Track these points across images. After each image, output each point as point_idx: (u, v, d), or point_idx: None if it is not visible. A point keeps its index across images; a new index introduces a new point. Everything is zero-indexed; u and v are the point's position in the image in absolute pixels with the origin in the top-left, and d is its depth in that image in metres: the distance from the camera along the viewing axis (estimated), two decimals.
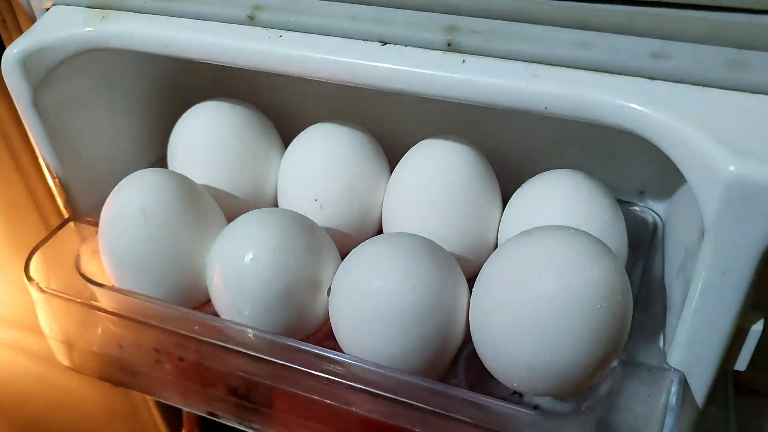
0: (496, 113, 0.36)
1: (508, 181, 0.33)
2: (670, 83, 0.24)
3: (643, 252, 0.33)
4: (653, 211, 0.35)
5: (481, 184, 0.32)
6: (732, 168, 0.21)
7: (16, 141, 0.41)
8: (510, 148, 0.35)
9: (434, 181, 0.32)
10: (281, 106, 0.38)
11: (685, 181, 0.27)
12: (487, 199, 0.32)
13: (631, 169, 0.35)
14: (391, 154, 0.35)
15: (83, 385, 0.57)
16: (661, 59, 0.24)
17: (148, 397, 0.54)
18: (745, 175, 0.21)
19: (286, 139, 0.37)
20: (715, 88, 0.23)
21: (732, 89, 0.23)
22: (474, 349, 0.28)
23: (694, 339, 0.26)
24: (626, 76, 0.24)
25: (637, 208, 0.35)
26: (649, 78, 0.24)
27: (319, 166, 0.34)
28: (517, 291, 0.25)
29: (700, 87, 0.23)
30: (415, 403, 0.26)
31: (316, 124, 0.35)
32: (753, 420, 0.36)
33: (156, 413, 0.54)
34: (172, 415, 0.55)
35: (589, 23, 0.24)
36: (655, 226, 0.34)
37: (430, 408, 0.26)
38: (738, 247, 0.22)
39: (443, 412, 0.26)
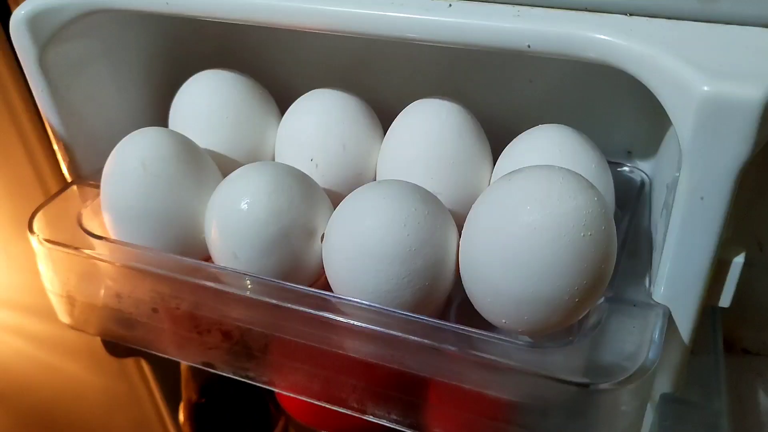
0: (485, 76, 0.37)
1: (498, 142, 0.34)
2: (646, 18, 0.25)
3: (632, 208, 0.34)
4: (641, 170, 0.35)
5: (470, 140, 0.33)
6: (706, 87, 0.22)
7: (23, 117, 0.43)
8: (499, 112, 0.36)
9: (426, 138, 0.33)
10: (278, 77, 0.40)
11: (668, 127, 0.28)
12: (477, 156, 0.33)
13: (619, 130, 0.35)
14: (384, 119, 0.36)
15: (86, 372, 0.57)
16: None
17: (151, 383, 0.54)
18: (718, 93, 0.22)
19: (282, 109, 0.38)
20: (688, 21, 0.24)
21: (704, 21, 0.24)
22: (464, 299, 0.29)
23: (677, 271, 0.26)
24: (605, 14, 0.25)
25: (626, 168, 0.36)
26: (627, 14, 0.25)
27: (315, 128, 0.35)
28: (503, 223, 0.26)
29: (675, 20, 0.24)
30: (404, 336, 0.27)
31: (312, 91, 0.36)
32: (744, 378, 0.36)
33: (158, 397, 0.55)
34: (171, 399, 0.56)
35: None
36: (642, 182, 0.35)
37: (419, 340, 0.26)
38: (715, 168, 0.23)
39: (433, 344, 0.26)
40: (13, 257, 0.50)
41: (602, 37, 0.25)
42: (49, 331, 0.55)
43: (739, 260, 0.27)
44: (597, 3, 0.25)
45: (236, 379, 0.41)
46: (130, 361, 0.56)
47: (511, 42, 0.26)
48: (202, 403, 0.42)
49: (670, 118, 0.24)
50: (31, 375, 0.58)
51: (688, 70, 0.23)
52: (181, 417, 0.43)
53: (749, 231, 0.36)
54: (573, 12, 0.25)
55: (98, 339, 0.54)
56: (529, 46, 0.26)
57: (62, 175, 0.46)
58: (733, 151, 0.23)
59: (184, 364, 0.42)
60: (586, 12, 0.25)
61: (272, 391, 0.41)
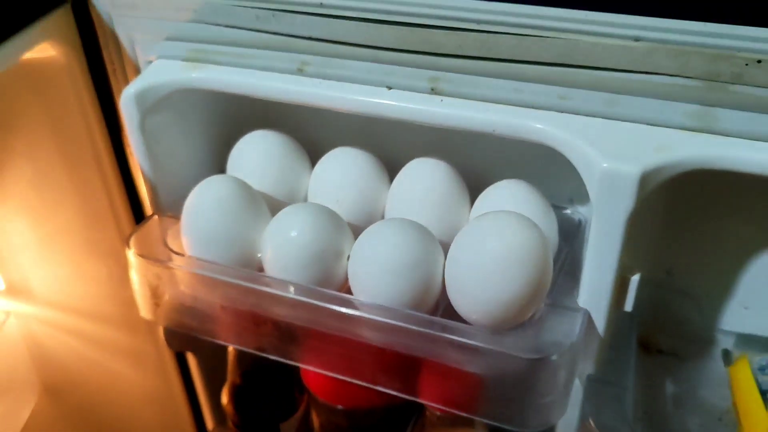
0: (465, 142, 0.49)
1: (474, 189, 0.46)
2: (571, 114, 0.37)
3: (571, 241, 0.46)
4: (580, 213, 0.48)
5: (454, 190, 0.45)
6: (605, 165, 0.35)
7: (104, 161, 0.54)
8: (476, 166, 0.48)
9: (422, 188, 0.45)
10: (310, 136, 0.52)
11: None
12: (458, 201, 0.46)
13: (564, 184, 0.48)
14: (390, 170, 0.48)
15: (130, 369, 0.68)
16: (565, 100, 0.37)
17: (194, 376, 0.65)
18: (612, 169, 0.35)
19: (313, 161, 0.50)
20: (598, 118, 0.37)
21: (608, 118, 0.37)
22: (447, 305, 0.41)
23: (593, 285, 0.38)
24: (544, 110, 0.38)
25: (568, 211, 0.48)
26: (559, 111, 0.38)
27: (339, 177, 0.47)
28: (474, 249, 0.38)
29: (590, 117, 0.37)
30: (406, 325, 0.38)
31: (337, 148, 0.48)
32: (657, 372, 0.48)
33: (199, 389, 0.66)
34: (209, 391, 0.67)
35: (522, 77, 0.38)
36: (580, 222, 0.47)
37: (416, 328, 0.38)
38: (612, 215, 0.35)
39: (426, 331, 0.38)
40: (83, 272, 0.61)
41: (541, 126, 0.37)
42: (103, 334, 0.66)
43: (635, 278, 0.39)
44: (539, 103, 0.38)
45: (270, 368, 0.53)
46: (170, 361, 0.67)
47: (482, 127, 0.38)
48: (243, 385, 0.53)
49: (584, 182, 0.36)
50: (82, 371, 0.69)
51: (594, 153, 0.35)
52: (224, 399, 0.54)
53: (660, 262, 0.48)
54: (524, 108, 0.38)
55: (143, 341, 0.66)
56: (494, 131, 0.38)
57: (130, 209, 0.58)
58: (623, 204, 0.35)
59: (230, 354, 0.54)
60: (531, 109, 0.38)
61: (297, 379, 0.52)
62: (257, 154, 0.49)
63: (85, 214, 0.58)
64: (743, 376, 0.44)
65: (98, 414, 0.72)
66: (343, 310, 0.40)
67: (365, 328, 0.41)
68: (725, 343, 0.49)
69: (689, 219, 0.46)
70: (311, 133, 0.52)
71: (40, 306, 0.65)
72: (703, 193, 0.43)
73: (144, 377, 0.69)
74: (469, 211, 0.46)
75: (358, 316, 0.40)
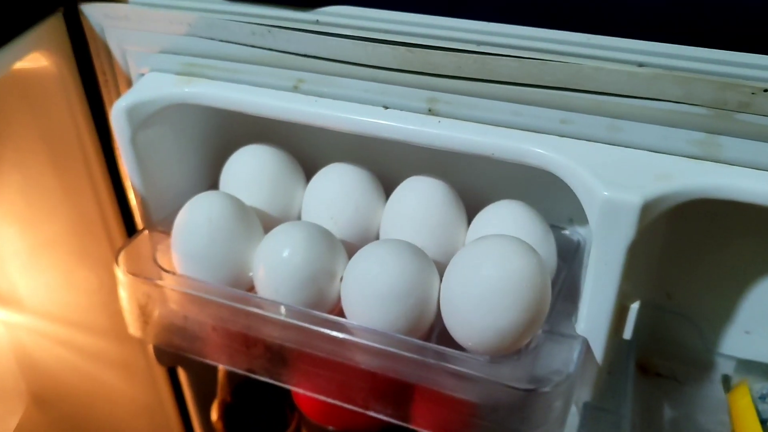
0: (463, 160, 0.48)
1: (471, 208, 0.45)
2: (572, 139, 0.36)
3: (569, 262, 0.45)
4: (579, 233, 0.47)
5: (451, 210, 0.44)
6: (606, 193, 0.34)
7: (95, 170, 0.53)
8: (473, 185, 0.47)
9: (418, 207, 0.44)
10: (305, 151, 0.51)
11: None
12: (455, 221, 0.45)
13: (563, 204, 0.47)
14: (386, 187, 0.47)
15: (120, 380, 0.67)
16: (566, 124, 0.36)
17: (185, 389, 0.64)
18: (613, 198, 0.34)
19: (308, 176, 0.49)
20: (599, 143, 0.36)
21: (610, 144, 0.36)
22: (442, 329, 0.40)
23: (591, 313, 0.37)
24: (544, 134, 0.37)
25: (567, 231, 0.47)
26: (559, 136, 0.37)
27: (334, 193, 0.46)
28: (470, 275, 0.37)
29: (591, 142, 0.36)
30: (399, 352, 0.38)
31: (332, 164, 0.47)
32: (655, 395, 0.48)
33: (189, 403, 0.65)
34: (199, 405, 0.66)
35: (522, 100, 0.37)
36: (579, 243, 0.46)
37: (410, 355, 0.37)
38: (612, 245, 0.35)
39: (420, 358, 0.37)
40: (73, 281, 0.60)
41: (541, 151, 0.36)
42: (93, 344, 0.65)
43: (635, 306, 0.38)
44: (539, 127, 0.37)
45: (260, 385, 0.52)
46: (160, 373, 0.66)
47: (480, 150, 0.37)
48: (233, 403, 0.52)
49: (584, 210, 0.35)
50: (71, 381, 0.68)
51: (595, 181, 0.34)
52: (214, 416, 0.53)
53: (660, 285, 0.48)
54: (523, 132, 0.37)
55: (134, 352, 0.65)
56: (492, 154, 0.37)
57: (122, 219, 0.57)
58: (623, 234, 0.34)
59: (220, 371, 0.53)
60: (531, 132, 0.37)
61: (288, 396, 0.51)
62: (250, 169, 0.48)
63: (76, 223, 0.57)
64: (743, 403, 0.43)
65: (87, 425, 0.71)
66: (335, 333, 0.39)
67: (357, 352, 0.40)
68: (725, 367, 0.48)
69: (690, 242, 0.45)
70: (306, 147, 0.51)
71: (29, 315, 0.63)
72: (704, 217, 0.42)
73: (134, 389, 0.68)
74: (466, 231, 0.45)
75: (350, 340, 0.39)
